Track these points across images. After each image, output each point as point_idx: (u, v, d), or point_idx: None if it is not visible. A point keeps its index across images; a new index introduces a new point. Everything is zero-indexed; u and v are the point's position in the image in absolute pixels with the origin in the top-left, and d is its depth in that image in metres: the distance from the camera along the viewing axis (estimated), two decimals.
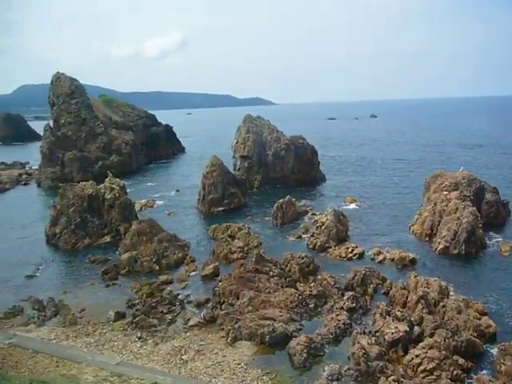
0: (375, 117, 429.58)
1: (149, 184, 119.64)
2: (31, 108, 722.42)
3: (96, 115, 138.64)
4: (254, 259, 52.75)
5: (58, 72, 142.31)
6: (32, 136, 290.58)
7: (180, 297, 49.07)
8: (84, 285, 54.45)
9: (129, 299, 49.08)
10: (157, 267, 58.16)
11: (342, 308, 44.44)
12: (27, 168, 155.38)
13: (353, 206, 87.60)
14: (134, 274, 57.44)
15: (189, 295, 49.89)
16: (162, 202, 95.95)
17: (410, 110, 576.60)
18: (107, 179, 76.59)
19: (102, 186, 75.44)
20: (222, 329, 41.59)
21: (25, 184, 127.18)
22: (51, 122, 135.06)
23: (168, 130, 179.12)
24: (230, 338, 39.79)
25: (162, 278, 54.19)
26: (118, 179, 77.37)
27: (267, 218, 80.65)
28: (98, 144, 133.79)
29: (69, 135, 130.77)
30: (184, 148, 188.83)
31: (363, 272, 50.38)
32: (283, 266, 54.17)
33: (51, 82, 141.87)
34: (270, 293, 46.70)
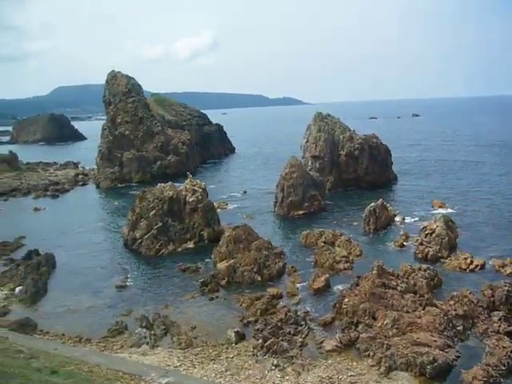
0: (417, 116, 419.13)
1: (211, 186, 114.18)
2: (66, 109, 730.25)
3: (152, 114, 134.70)
4: (374, 272, 46.88)
5: (113, 70, 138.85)
6: (76, 136, 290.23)
7: (299, 314, 43.42)
8: (184, 298, 49.37)
9: (242, 316, 43.74)
10: (259, 278, 52.80)
11: (499, 331, 38.30)
12: (80, 168, 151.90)
13: (442, 210, 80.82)
14: (235, 286, 52.18)
15: (308, 312, 44.23)
16: (235, 205, 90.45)
17: (452, 109, 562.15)
18: (187, 181, 71.79)
19: (181, 187, 70.54)
20: (368, 355, 35.85)
21: (83, 184, 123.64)
22: (104, 122, 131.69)
23: (219, 129, 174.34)
24: (383, 368, 34.06)
25: (271, 291, 48.67)
26: (198, 181, 72.34)
27: (355, 223, 74.83)
28: (156, 144, 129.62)
29: (126, 134, 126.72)
30: (234, 148, 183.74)
31: (505, 288, 44.06)
32: (404, 280, 48.19)
33: (106, 81, 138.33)
34: (408, 312, 40.81)
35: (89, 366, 29.37)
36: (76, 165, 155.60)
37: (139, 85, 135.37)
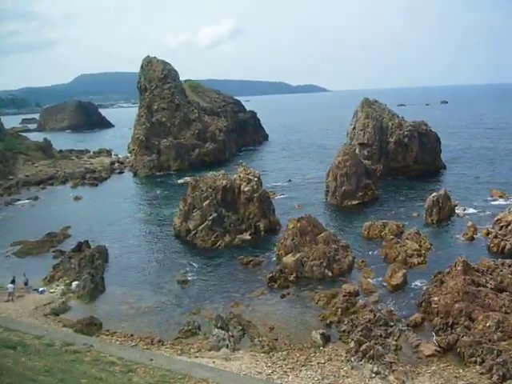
0: (446, 102, 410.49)
1: None
2: (89, 97, 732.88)
3: (189, 101, 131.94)
4: (459, 268, 43.33)
5: (148, 56, 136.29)
6: (103, 123, 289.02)
7: (383, 313, 40.14)
8: (252, 294, 46.43)
9: (322, 315, 40.63)
10: (329, 273, 49.62)
11: None
12: (113, 156, 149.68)
13: (503, 201, 76.75)
14: (304, 281, 49.08)
15: (392, 311, 40.96)
16: (283, 195, 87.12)
17: (477, 95, 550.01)
18: (241, 169, 68.67)
19: (235, 176, 67.49)
20: (475, 361, 32.55)
21: (119, 173, 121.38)
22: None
23: (254, 116, 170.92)
24: (495, 376, 30.72)
25: (347, 287, 45.43)
26: (252, 169, 69.19)
27: (414, 214, 71.19)
28: (193, 131, 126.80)
29: (163, 122, 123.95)
30: (267, 135, 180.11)
31: None
32: (491, 276, 44.61)
33: (141, 67, 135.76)
34: (507, 313, 37.33)
35: (195, 381, 26.39)
36: (109, 152, 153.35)
37: (175, 70, 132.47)
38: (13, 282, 46.53)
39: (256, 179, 66.09)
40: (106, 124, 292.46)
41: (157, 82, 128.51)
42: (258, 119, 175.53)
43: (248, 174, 66.89)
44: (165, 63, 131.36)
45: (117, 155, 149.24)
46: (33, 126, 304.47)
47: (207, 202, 63.99)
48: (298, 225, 54.09)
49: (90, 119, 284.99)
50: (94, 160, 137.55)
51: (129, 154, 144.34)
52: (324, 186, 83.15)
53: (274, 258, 55.02)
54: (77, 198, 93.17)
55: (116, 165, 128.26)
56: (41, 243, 64.03)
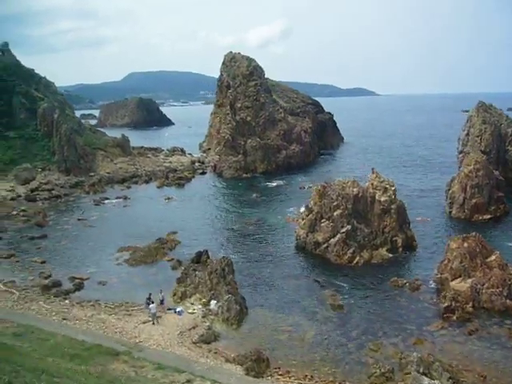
0: None
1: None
2: (140, 94, 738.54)
3: (274, 99, 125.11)
4: None
5: (231, 52, 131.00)
6: (163, 121, 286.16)
7: None
8: (431, 328, 38.97)
9: None
10: None
11: None
12: (187, 155, 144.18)
13: None
14: (484, 313, 41.41)
15: None
16: None
17: None
18: (372, 176, 61.01)
19: (367, 184, 60.05)
20: None
21: (202, 173, 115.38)
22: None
23: (331, 117, 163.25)
24: None
25: None
26: (385, 177, 61.59)
27: None
28: (278, 131, 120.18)
29: (247, 121, 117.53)
30: (343, 138, 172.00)
31: None
32: None
33: (223, 63, 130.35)
34: None
35: None
36: (183, 151, 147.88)
37: (261, 67, 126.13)
38: (149, 299, 40.33)
39: (393, 188, 58.54)
40: (165, 122, 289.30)
41: (241, 78, 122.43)
42: (335, 121, 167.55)
43: (382, 182, 59.35)
44: (250, 59, 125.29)
45: (190, 154, 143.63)
46: (93, 121, 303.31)
47: (338, 211, 56.82)
48: (465, 245, 46.36)
49: (150, 116, 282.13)
50: (172, 159, 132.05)
51: (203, 154, 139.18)
52: (439, 198, 75.35)
53: (432, 282, 47.32)
54: (168, 199, 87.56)
55: (197, 164, 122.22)
56: (151, 250, 57.99)
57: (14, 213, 78.97)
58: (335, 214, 57.09)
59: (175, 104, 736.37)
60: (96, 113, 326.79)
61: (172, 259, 55.83)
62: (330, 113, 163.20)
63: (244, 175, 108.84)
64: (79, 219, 74.80)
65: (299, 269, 53.36)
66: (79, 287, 48.29)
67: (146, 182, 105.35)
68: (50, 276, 51.33)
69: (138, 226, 70.18)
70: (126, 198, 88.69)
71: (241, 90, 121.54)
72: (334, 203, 57.60)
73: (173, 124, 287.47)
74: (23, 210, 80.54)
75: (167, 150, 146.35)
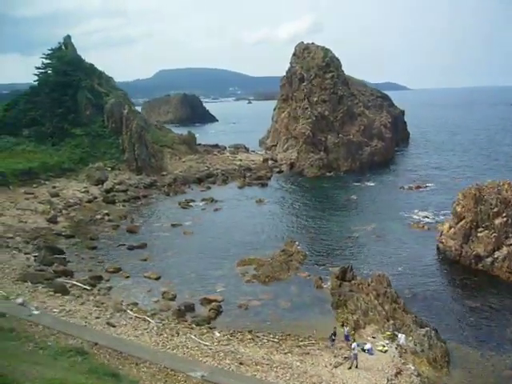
0: None
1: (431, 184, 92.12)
2: (170, 92, 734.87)
3: (352, 92, 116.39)
4: None
5: (302, 42, 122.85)
6: (207, 117, 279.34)
7: None
8: None
9: None
10: None
11: None
12: (251, 152, 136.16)
13: None
14: None
15: None
16: None
17: None
18: None
19: None
20: None
21: (279, 172, 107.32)
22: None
23: (402, 112, 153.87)
24: None
25: None
26: None
27: None
28: (358, 127, 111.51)
29: (326, 115, 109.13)
30: (409, 133, 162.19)
31: None
32: None
33: (294, 54, 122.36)
34: None
35: None
36: (246, 148, 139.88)
37: (337, 59, 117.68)
38: (334, 334, 32.43)
39: None
40: (209, 118, 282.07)
41: (316, 70, 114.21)
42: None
43: None
44: (326, 50, 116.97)
45: (254, 151, 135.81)
46: None
47: (501, 219, 48.08)
48: None
49: (194, 112, 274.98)
50: (240, 156, 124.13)
51: (267, 151, 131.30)
52: None
53: None
54: (259, 201, 79.67)
55: (270, 162, 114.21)
56: (280, 264, 50.17)
57: (98, 217, 72.09)
58: (496, 222, 48.43)
59: (206, 100, 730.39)
60: (138, 109, 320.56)
61: (309, 275, 47.87)
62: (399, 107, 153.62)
63: (327, 174, 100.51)
64: (173, 225, 67.30)
65: (468, 288, 45.13)
66: (218, 312, 40.63)
67: (224, 181, 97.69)
68: (175, 297, 43.85)
69: (243, 233, 62.85)
70: (212, 200, 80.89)
71: (316, 82, 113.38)
72: (494, 209, 48.92)
73: (216, 120, 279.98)
74: (107, 214, 73.55)
75: (228, 147, 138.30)
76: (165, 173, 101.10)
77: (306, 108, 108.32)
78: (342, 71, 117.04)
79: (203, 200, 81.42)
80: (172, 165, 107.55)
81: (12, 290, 40.82)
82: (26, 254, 53.72)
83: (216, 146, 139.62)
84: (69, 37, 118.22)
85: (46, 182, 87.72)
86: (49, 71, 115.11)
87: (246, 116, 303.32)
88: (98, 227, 67.78)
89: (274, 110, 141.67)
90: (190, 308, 41.39)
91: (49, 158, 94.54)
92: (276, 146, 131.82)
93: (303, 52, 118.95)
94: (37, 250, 54.84)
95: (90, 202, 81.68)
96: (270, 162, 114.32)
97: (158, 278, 48.56)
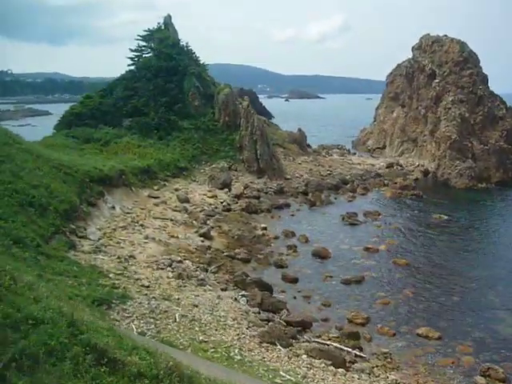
0: None
1: None
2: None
3: (492, 92, 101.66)
4: None
5: (428, 34, 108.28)
6: (264, 114, 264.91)
7: None
8: None
9: None
10: None
11: None
12: (345, 152, 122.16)
13: None
14: None
15: None
16: None
17: None
18: None
19: None
20: None
21: (415, 179, 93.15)
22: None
23: None
24: None
25: None
26: None
27: None
28: (500, 131, 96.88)
29: (466, 117, 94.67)
30: None
31: None
32: None
33: (419, 47, 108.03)
34: None
35: None
36: (343, 149, 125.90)
37: (476, 54, 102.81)
38: None
39: None
40: (266, 114, 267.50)
41: (452, 66, 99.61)
42: None
43: None
44: (462, 43, 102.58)
45: (348, 151, 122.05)
46: None
47: None
48: None
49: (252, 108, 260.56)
50: (354, 159, 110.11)
51: (372, 154, 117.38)
52: None
53: None
54: (439, 218, 65.50)
55: (397, 168, 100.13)
56: None
57: (259, 233, 58.41)
58: None
59: None
60: None
61: None
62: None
63: (479, 185, 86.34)
64: (366, 248, 53.38)
65: None
66: None
67: (366, 189, 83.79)
68: None
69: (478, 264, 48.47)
70: (378, 214, 66.80)
71: (451, 79, 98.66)
72: None
73: (273, 117, 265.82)
74: (265, 229, 60.00)
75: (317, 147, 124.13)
76: (288, 176, 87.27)
77: (449, 108, 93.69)
78: (481, 68, 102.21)
79: (366, 214, 67.25)
80: (289, 167, 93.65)
81: (281, 365, 26.78)
82: (222, 290, 39.70)
83: (308, 146, 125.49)
84: (169, 16, 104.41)
85: (166, 183, 74.41)
86: (144, 55, 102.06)
87: (296, 114, 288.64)
88: (267, 247, 53.98)
89: (377, 109, 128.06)
90: None
91: (161, 155, 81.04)
92: (382, 148, 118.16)
93: (432, 45, 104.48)
94: (233, 286, 41.04)
95: (228, 210, 67.99)
96: (397, 168, 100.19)
97: (439, 338, 34.45)
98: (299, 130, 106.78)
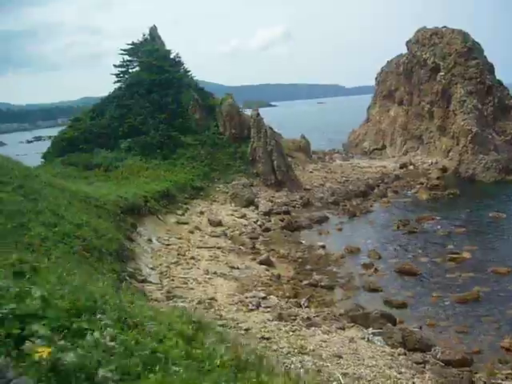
0: None
1: None
2: None
3: (500, 81, 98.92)
4: None
5: (424, 27, 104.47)
6: None
7: None
8: None
9: None
10: None
11: None
12: (349, 155, 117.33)
13: None
14: None
15: None
16: None
17: None
18: None
19: None
20: None
21: (437, 178, 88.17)
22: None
23: None
24: None
25: None
26: None
27: None
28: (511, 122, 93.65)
29: (480, 109, 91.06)
30: None
31: None
32: None
33: (416, 41, 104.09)
34: None
35: None
36: (340, 153, 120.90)
37: (479, 43, 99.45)
38: None
39: None
40: None
41: (456, 58, 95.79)
42: None
43: None
44: (465, 33, 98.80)
45: (352, 154, 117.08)
46: None
47: None
48: None
49: None
50: (363, 163, 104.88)
51: (371, 155, 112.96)
52: None
53: None
54: (498, 216, 60.41)
55: (411, 168, 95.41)
56: None
57: (321, 253, 51.61)
58: None
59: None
60: None
61: None
62: None
63: (507, 178, 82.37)
64: None
65: None
66: None
67: (396, 193, 78.38)
68: None
69: None
70: (432, 218, 61.19)
71: (456, 71, 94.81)
72: None
73: None
74: (322, 247, 53.40)
75: (325, 151, 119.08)
76: (308, 186, 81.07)
77: (464, 100, 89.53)
78: (486, 57, 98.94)
79: (418, 219, 61.53)
80: (300, 176, 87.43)
81: None
82: (340, 329, 32.65)
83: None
84: (155, 27, 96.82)
85: (188, 207, 66.90)
86: (130, 70, 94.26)
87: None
88: (340, 268, 47.44)
89: (369, 109, 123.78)
90: None
91: (174, 175, 73.46)
92: (381, 149, 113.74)
93: (431, 37, 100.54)
94: (349, 322, 34.16)
95: (267, 230, 61.18)
96: (411, 168, 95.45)
97: None
98: (303, 136, 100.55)
